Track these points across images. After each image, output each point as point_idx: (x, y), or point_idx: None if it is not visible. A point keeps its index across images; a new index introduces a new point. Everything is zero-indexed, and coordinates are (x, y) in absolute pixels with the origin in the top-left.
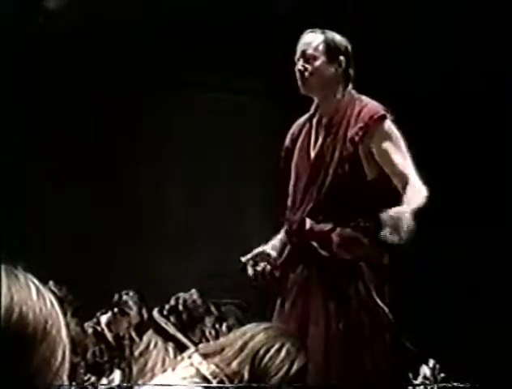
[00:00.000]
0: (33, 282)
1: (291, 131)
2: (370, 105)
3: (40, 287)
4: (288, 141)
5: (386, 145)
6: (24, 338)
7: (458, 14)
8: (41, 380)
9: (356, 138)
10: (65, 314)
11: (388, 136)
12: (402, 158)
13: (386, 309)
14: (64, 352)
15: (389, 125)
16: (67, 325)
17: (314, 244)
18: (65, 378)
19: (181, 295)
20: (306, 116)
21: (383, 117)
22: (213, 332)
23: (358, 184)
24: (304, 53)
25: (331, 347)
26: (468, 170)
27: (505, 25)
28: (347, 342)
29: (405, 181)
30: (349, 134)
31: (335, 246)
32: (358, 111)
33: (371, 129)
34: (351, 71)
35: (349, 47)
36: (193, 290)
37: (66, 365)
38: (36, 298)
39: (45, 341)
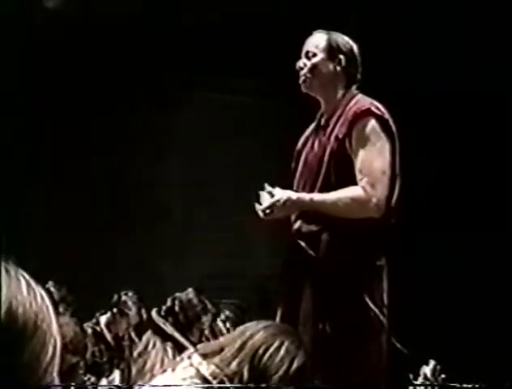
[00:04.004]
0: (24, 277)
1: (304, 135)
2: (360, 102)
3: (31, 281)
4: (299, 144)
5: (362, 141)
6: (14, 333)
7: (459, 13)
8: (31, 376)
9: (340, 136)
10: (64, 314)
11: (366, 133)
12: (371, 158)
13: (377, 311)
14: (55, 348)
15: (372, 123)
16: (59, 323)
17: (302, 244)
18: (55, 374)
19: (178, 295)
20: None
21: (366, 113)
22: (212, 332)
23: (348, 183)
24: (306, 51)
25: (318, 348)
26: (468, 171)
27: (507, 25)
28: (334, 344)
29: (360, 179)
30: (336, 132)
31: (324, 247)
32: (349, 109)
33: (353, 124)
34: (354, 72)
35: (354, 48)
36: (189, 289)
37: (57, 360)
38: (26, 293)
39: (35, 336)
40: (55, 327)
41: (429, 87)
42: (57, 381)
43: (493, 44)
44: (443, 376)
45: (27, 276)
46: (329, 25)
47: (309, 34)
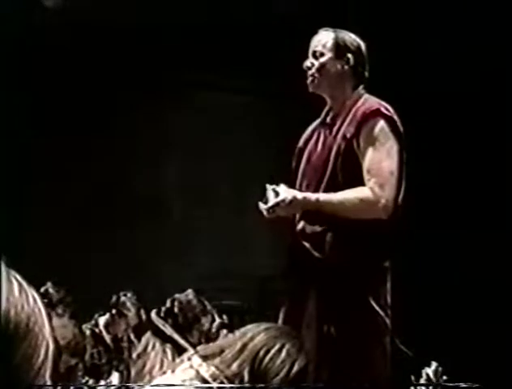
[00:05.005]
0: (16, 278)
1: (306, 132)
2: (369, 102)
3: (23, 283)
4: (301, 142)
5: (371, 142)
6: (5, 335)
7: (462, 14)
8: (23, 378)
9: (348, 135)
10: (63, 316)
11: (375, 133)
12: (380, 159)
13: (382, 313)
14: (47, 351)
15: (382, 124)
16: (52, 326)
17: (306, 244)
18: (47, 376)
19: (177, 296)
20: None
21: (376, 113)
22: (211, 333)
23: (354, 183)
24: (313, 50)
25: (322, 350)
26: (476, 173)
27: (509, 26)
28: (338, 346)
29: (368, 180)
30: (344, 132)
31: (328, 248)
32: (357, 108)
33: (362, 124)
34: (361, 70)
35: (362, 47)
36: (189, 290)
37: (49, 363)
38: (18, 295)
39: (27, 338)
40: (47, 330)
41: (432, 87)
42: (49, 383)
43: (497, 44)
44: (445, 377)
45: (19, 278)
46: (329, 25)
47: (312, 33)
